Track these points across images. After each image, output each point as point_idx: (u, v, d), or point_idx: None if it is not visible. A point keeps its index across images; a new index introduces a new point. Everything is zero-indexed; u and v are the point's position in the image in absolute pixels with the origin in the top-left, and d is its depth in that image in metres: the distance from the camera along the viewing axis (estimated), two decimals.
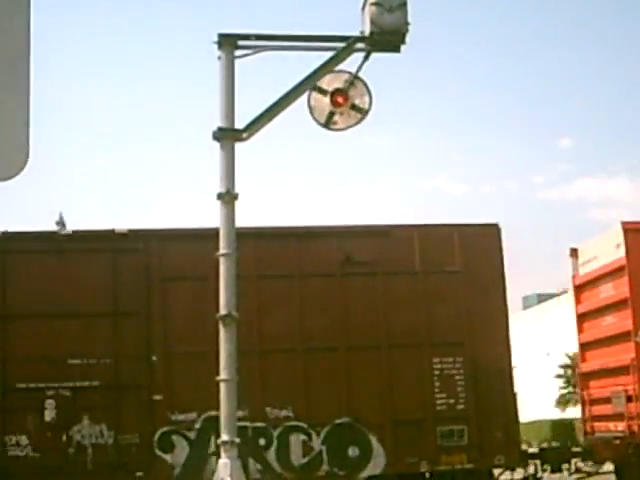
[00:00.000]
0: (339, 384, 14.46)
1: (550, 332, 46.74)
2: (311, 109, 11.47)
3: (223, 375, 10.78)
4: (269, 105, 11.08)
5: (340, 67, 11.35)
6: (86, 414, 14.03)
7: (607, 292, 17.39)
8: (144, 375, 14.24)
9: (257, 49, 11.19)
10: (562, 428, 30.28)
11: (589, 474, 16.49)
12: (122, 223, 27.13)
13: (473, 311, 14.93)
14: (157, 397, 14.14)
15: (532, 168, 40.68)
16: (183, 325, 14.43)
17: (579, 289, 18.54)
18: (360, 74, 11.40)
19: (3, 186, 4.07)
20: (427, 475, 14.74)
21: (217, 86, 11.06)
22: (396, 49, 11.29)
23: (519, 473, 15.74)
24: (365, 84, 11.49)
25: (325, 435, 14.33)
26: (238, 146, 11.01)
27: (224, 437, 10.65)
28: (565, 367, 45.99)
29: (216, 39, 11.11)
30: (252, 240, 14.67)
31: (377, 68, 11.76)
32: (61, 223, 16.58)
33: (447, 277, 15.00)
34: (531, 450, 16.46)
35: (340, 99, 11.40)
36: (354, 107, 11.45)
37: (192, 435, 14.15)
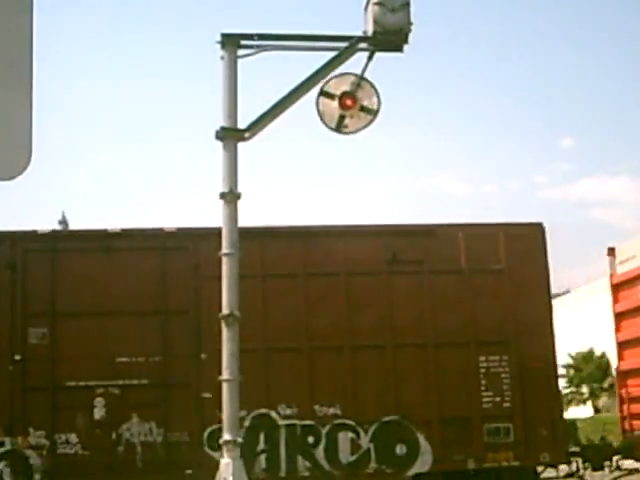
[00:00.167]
0: (386, 382, 14.12)
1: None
2: (321, 114, 11.15)
3: (225, 375, 10.50)
4: (272, 105, 10.78)
5: (344, 69, 11.07)
6: (135, 412, 13.71)
7: None
8: (193, 373, 13.90)
9: (260, 49, 10.90)
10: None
11: (630, 472, 16.29)
12: (122, 223, 26.98)
13: (518, 310, 14.55)
14: (206, 395, 13.65)
15: (534, 168, 40.83)
16: None
17: (617, 288, 18.25)
18: (364, 74, 11.13)
19: (5, 185, 3.97)
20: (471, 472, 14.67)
21: (220, 86, 10.77)
22: (399, 49, 11.01)
23: (560, 471, 15.62)
24: (372, 85, 11.15)
25: (373, 433, 13.96)
26: (241, 146, 10.71)
27: (226, 437, 10.34)
28: (567, 367, 45.73)
29: (219, 39, 10.82)
30: (300, 239, 14.55)
31: (379, 68, 11.44)
32: (64, 222, 16.36)
33: (492, 276, 14.61)
34: (572, 448, 16.17)
35: (349, 102, 11.08)
36: (363, 109, 11.12)
37: (241, 433, 13.92)
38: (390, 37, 10.90)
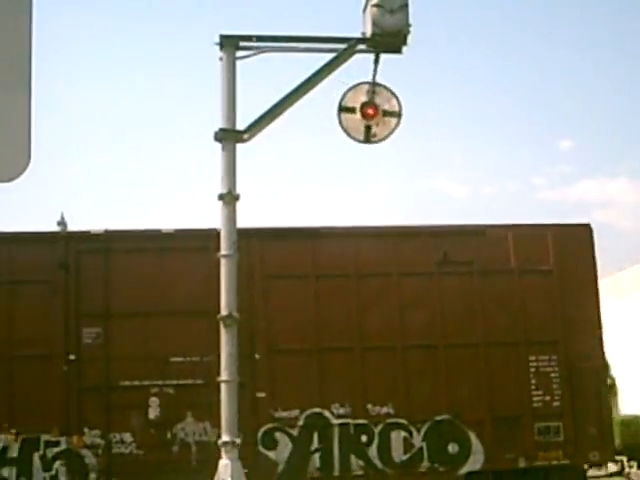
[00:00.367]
0: (438, 381, 13.71)
1: None
2: (346, 131, 10.82)
3: (224, 376, 10.13)
4: (270, 106, 10.47)
5: (344, 70, 10.75)
6: (190, 411, 13.33)
7: None
8: (247, 373, 13.53)
9: (259, 50, 10.61)
10: None
11: None
12: (122, 224, 26.69)
13: (567, 310, 14.16)
14: (260, 395, 13.38)
15: (533, 170, 40.47)
16: (285, 323, 13.64)
17: None
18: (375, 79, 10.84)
19: (3, 186, 3.80)
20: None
21: (218, 87, 10.46)
22: (398, 50, 10.68)
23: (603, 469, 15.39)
24: (386, 87, 10.83)
25: (425, 432, 13.56)
26: (239, 147, 10.42)
27: (225, 438, 9.97)
28: None
29: (217, 40, 10.50)
30: (352, 239, 14.24)
31: (378, 69, 11.32)
32: (62, 223, 15.99)
33: (541, 276, 14.22)
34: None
35: (370, 111, 10.76)
36: (386, 113, 10.78)
37: (295, 432, 13.39)
38: (389, 39, 10.59)
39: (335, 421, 13.51)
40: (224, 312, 10.38)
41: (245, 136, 10.55)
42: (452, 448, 13.67)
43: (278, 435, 13.44)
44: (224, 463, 10.05)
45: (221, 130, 10.45)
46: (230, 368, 10.24)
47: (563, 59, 38.79)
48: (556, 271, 14.29)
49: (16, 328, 13.37)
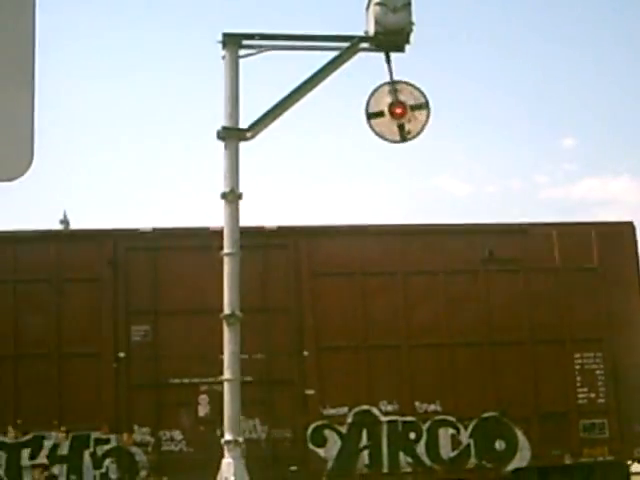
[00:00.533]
0: (485, 378, 13.38)
1: None
2: (381, 136, 10.62)
3: (227, 375, 9.89)
4: (273, 105, 10.26)
5: (346, 69, 10.67)
6: None
7: None
8: (296, 370, 13.17)
9: (261, 49, 10.43)
10: None
11: None
12: (124, 222, 26.31)
13: (611, 307, 13.83)
14: (309, 392, 13.05)
15: (535, 168, 40.11)
16: (333, 320, 13.29)
17: None
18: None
19: (6, 185, 3.69)
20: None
21: (221, 86, 10.25)
22: (400, 49, 10.53)
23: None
24: (406, 82, 10.61)
25: (473, 429, 13.25)
26: (242, 145, 10.25)
27: (227, 437, 9.74)
28: None
29: (220, 39, 10.28)
30: (398, 237, 13.94)
31: (379, 67, 10.91)
32: (65, 222, 15.70)
33: (585, 274, 13.90)
34: None
35: (399, 110, 10.55)
36: (414, 108, 10.56)
37: (343, 429, 13.06)
38: (391, 37, 10.44)
39: (383, 418, 13.21)
40: (227, 311, 10.16)
41: (248, 135, 10.36)
42: (499, 445, 13.39)
43: (327, 432, 13.16)
44: (227, 462, 9.82)
45: (224, 129, 10.27)
46: (233, 367, 10.06)
47: (566, 57, 38.45)
48: (600, 269, 14.01)
49: (65, 326, 13.08)
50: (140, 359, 13.07)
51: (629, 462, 13.92)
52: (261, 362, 13.18)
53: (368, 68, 11.29)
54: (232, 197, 10.24)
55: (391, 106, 10.65)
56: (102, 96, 36.84)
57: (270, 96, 10.58)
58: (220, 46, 10.48)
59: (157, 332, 13.13)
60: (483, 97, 38.20)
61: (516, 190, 40.10)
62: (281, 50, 10.78)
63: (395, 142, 10.75)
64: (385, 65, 10.71)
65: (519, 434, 13.43)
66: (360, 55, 10.83)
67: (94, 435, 12.89)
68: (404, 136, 10.71)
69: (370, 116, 10.68)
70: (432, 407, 13.34)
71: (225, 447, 9.98)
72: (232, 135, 10.28)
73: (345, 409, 13.20)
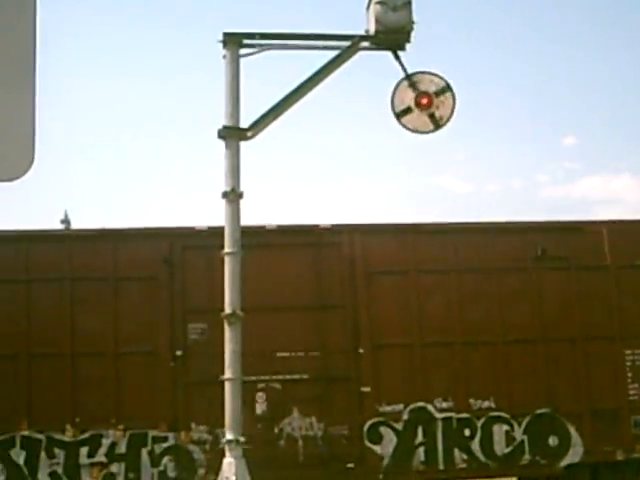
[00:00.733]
0: (538, 375, 13.08)
1: None
2: (416, 130, 10.49)
3: (228, 374, 9.62)
4: (274, 104, 9.99)
5: (346, 68, 10.47)
6: (296, 406, 12.70)
7: None
8: (352, 367, 12.85)
9: (262, 48, 10.18)
10: None
11: None
12: (126, 222, 26.07)
13: None
14: (365, 389, 12.75)
15: (536, 167, 39.78)
16: (388, 318, 12.98)
17: None
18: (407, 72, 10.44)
19: (7, 185, 3.64)
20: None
21: (222, 85, 10.00)
22: (401, 47, 10.25)
23: None
24: (422, 72, 10.37)
25: (526, 425, 12.97)
26: (243, 144, 10.02)
27: (228, 436, 9.48)
28: None
29: (221, 38, 10.02)
30: (452, 235, 13.53)
31: (380, 66, 10.81)
32: (66, 221, 15.46)
33: (636, 271, 13.55)
34: None
35: (425, 100, 10.30)
36: (438, 94, 10.31)
37: (399, 426, 12.78)
38: (392, 36, 10.20)
39: (438, 415, 12.95)
40: (228, 310, 9.90)
41: (249, 134, 10.09)
42: (552, 441, 13.12)
43: (383, 429, 12.89)
44: (228, 461, 9.55)
45: (225, 128, 10.02)
46: (234, 366, 9.82)
47: (566, 56, 38.23)
48: None
49: (122, 325, 12.83)
50: (197, 357, 12.81)
51: None
52: (317, 360, 12.94)
53: (370, 67, 11.14)
54: (233, 196, 10.02)
55: (416, 99, 10.41)
56: (103, 96, 36.46)
57: (271, 95, 10.38)
58: (221, 45, 10.23)
59: (214, 330, 12.79)
60: (484, 96, 37.91)
61: (517, 189, 39.87)
62: (282, 49, 10.52)
63: (431, 132, 10.54)
64: (395, 62, 10.46)
65: (572, 430, 13.19)
66: (361, 54, 10.60)
67: (152, 433, 12.63)
68: (438, 124, 10.48)
69: (399, 115, 10.45)
70: (486, 404, 13.10)
71: (226, 446, 9.75)
72: (233, 134, 10.04)
73: (401, 406, 12.96)
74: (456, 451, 12.94)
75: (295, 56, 10.84)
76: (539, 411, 13.16)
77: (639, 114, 39.52)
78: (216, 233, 12.99)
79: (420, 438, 12.93)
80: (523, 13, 37.33)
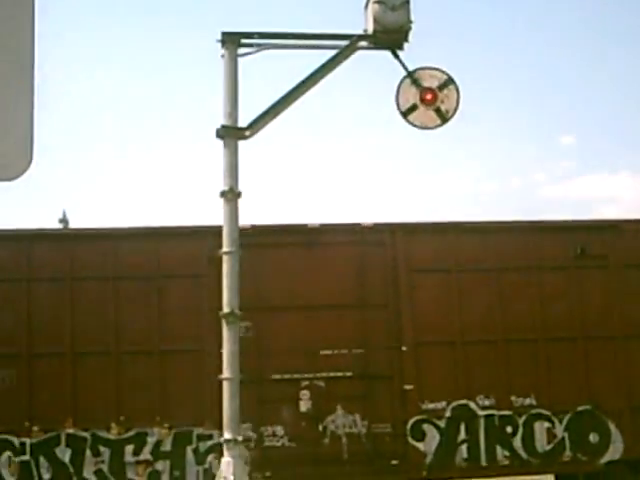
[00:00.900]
0: (578, 372, 12.88)
1: None
2: (424, 127, 10.26)
3: (226, 373, 9.40)
4: (272, 103, 9.76)
5: (346, 67, 10.23)
6: (339, 404, 12.48)
7: None
8: (395, 365, 12.67)
9: (260, 47, 9.93)
10: None
11: None
12: (124, 222, 25.83)
13: None
14: (408, 387, 12.55)
15: (534, 166, 39.56)
16: (430, 316, 12.80)
17: None
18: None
19: (5, 185, 3.53)
20: None
21: (220, 84, 9.78)
22: (399, 47, 10.01)
23: None
24: (422, 68, 10.11)
25: (567, 422, 12.79)
26: (241, 144, 9.77)
27: (227, 435, 9.22)
28: None
29: (219, 37, 9.79)
30: (492, 234, 13.27)
31: (380, 65, 10.56)
32: (64, 220, 15.25)
33: None
34: None
35: (429, 96, 10.06)
36: (441, 88, 10.09)
37: (442, 423, 12.62)
38: (390, 35, 9.94)
39: (481, 412, 12.83)
40: (226, 309, 9.62)
41: (247, 133, 9.83)
42: (593, 438, 12.99)
43: (426, 427, 12.70)
44: (226, 460, 9.28)
45: (223, 127, 9.77)
46: (232, 366, 9.57)
47: (564, 55, 38.05)
48: None
49: (167, 323, 12.67)
50: (242, 355, 12.55)
51: None
52: (360, 357, 12.76)
53: (370, 66, 10.99)
54: (231, 196, 9.74)
55: (420, 96, 10.18)
56: (101, 95, 36.11)
57: (269, 95, 10.11)
58: (219, 45, 9.97)
59: (258, 328, 12.67)
60: (482, 95, 37.70)
61: (515, 188, 39.65)
62: (280, 49, 10.26)
63: (439, 126, 10.34)
64: (395, 61, 10.29)
65: (612, 427, 13.00)
66: (360, 53, 10.35)
67: (197, 431, 12.46)
68: (445, 117, 10.23)
69: (405, 114, 10.26)
70: (527, 401, 12.92)
71: (224, 446, 9.46)
72: (231, 134, 9.78)
73: (443, 403, 12.79)
74: (498, 448, 12.79)
75: (293, 55, 10.65)
76: (580, 408, 12.99)
77: (637, 112, 39.42)
78: (260, 231, 12.93)
79: (463, 435, 12.76)
80: (522, 12, 37.14)
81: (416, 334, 12.90)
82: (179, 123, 35.66)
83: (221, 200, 9.87)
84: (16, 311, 12.48)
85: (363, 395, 12.67)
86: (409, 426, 12.67)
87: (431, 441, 12.72)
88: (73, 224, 13.69)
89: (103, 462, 12.26)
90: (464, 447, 12.75)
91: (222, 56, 9.98)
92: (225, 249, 9.82)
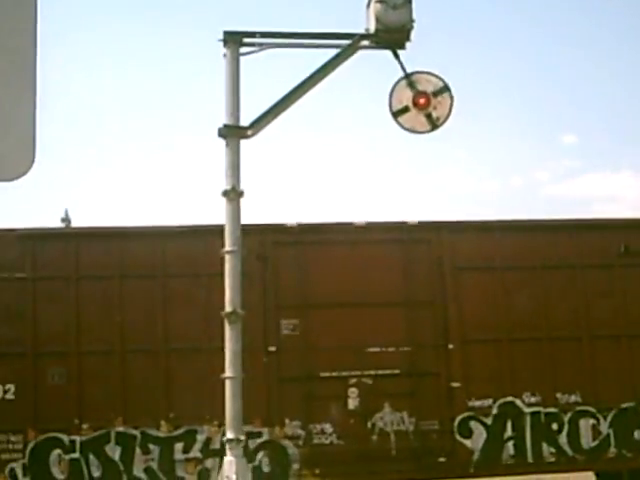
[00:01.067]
0: (622, 369, 12.74)
1: None
2: (413, 130, 10.09)
3: (228, 373, 9.26)
4: (274, 102, 9.62)
5: (347, 66, 10.10)
6: (387, 401, 12.32)
7: None
8: (442, 363, 12.50)
9: (262, 46, 9.82)
10: None
11: None
12: (123, 221, 25.56)
13: None
14: (455, 384, 12.41)
15: (536, 164, 39.31)
16: (476, 314, 12.60)
17: None
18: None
19: (8, 185, 3.50)
20: None
21: (222, 83, 9.64)
22: (401, 46, 9.88)
23: None
24: (420, 72, 9.96)
25: (612, 419, 12.64)
26: (243, 143, 9.66)
27: (229, 435, 9.10)
28: None
29: (221, 37, 9.66)
30: (538, 232, 13.03)
31: (381, 66, 10.40)
32: (66, 220, 15.08)
33: None
34: None
35: (422, 100, 9.91)
36: (436, 94, 9.92)
37: (488, 421, 12.43)
38: (392, 34, 9.81)
39: (527, 410, 12.72)
40: (228, 309, 9.47)
41: (249, 132, 9.69)
42: (637, 435, 12.89)
43: (473, 424, 12.56)
44: (229, 460, 9.14)
45: (225, 126, 9.62)
46: (235, 365, 9.42)
47: (566, 53, 37.85)
48: None
49: (215, 321, 12.49)
50: (290, 353, 12.45)
51: None
52: (407, 355, 12.63)
53: (373, 64, 10.86)
54: (233, 195, 9.60)
55: (414, 98, 10.02)
56: (103, 94, 35.82)
57: (271, 94, 9.97)
58: (221, 44, 9.83)
59: (305, 326, 12.52)
60: (484, 94, 37.50)
61: (517, 187, 39.45)
62: (282, 48, 10.08)
63: (428, 132, 10.18)
64: (395, 61, 10.10)
65: None
66: (362, 52, 10.21)
67: (246, 429, 12.32)
68: (434, 124, 10.08)
69: (396, 114, 10.11)
70: (573, 398, 12.76)
71: (227, 445, 9.33)
72: (233, 133, 9.64)
73: (490, 401, 12.62)
74: (544, 445, 12.64)
75: (295, 55, 10.50)
76: (624, 405, 12.88)
77: (639, 113, 39.25)
78: (306, 229, 12.79)
79: (509, 432, 12.59)
80: (524, 11, 36.95)
81: (462, 332, 12.75)
82: (181, 122, 35.42)
83: (223, 199, 9.74)
84: (65, 309, 12.31)
85: (410, 392, 12.51)
86: (456, 423, 12.50)
87: (478, 438, 12.56)
88: (75, 223, 13.46)
89: (153, 460, 12.07)
90: (510, 444, 12.59)
91: (224, 55, 9.83)
92: (227, 248, 9.68)
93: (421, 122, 10.10)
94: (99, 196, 32.50)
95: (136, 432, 12.07)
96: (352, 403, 12.39)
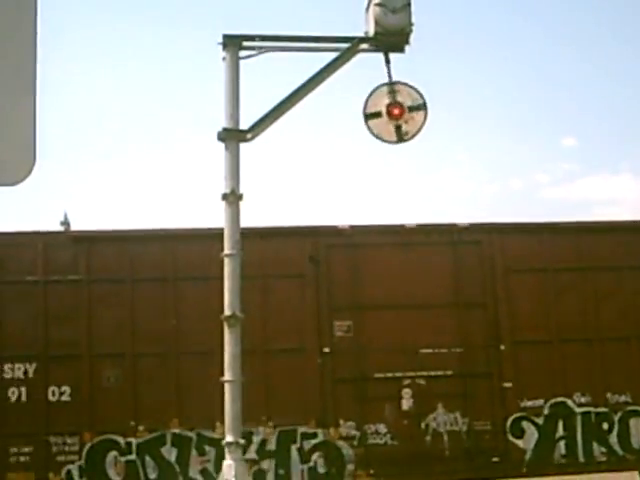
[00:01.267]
0: None
1: None
2: (378, 136, 9.82)
3: (227, 376, 9.08)
4: (274, 106, 9.47)
5: (347, 69, 9.95)
6: (440, 402, 12.16)
7: None
8: (494, 364, 12.32)
9: (262, 50, 9.66)
10: None
11: None
12: (123, 223, 25.31)
13: None
14: (507, 385, 12.23)
15: (536, 167, 39.08)
16: (527, 315, 12.47)
17: None
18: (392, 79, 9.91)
19: (8, 188, 3.40)
20: None
21: (222, 87, 9.48)
22: (400, 50, 9.73)
23: None
24: (405, 84, 9.79)
25: None
26: (243, 146, 9.50)
27: (228, 438, 8.91)
28: None
29: (221, 40, 9.51)
30: (587, 234, 12.88)
31: (380, 68, 10.11)
32: (66, 223, 14.91)
33: None
34: None
35: (396, 111, 9.72)
36: (412, 109, 9.74)
37: (540, 421, 12.28)
38: (391, 38, 9.66)
39: (578, 410, 12.61)
40: (227, 312, 9.25)
41: (248, 136, 9.51)
42: None
43: (525, 424, 12.44)
44: (228, 463, 8.93)
45: (224, 130, 9.45)
46: (234, 368, 9.22)
47: (566, 56, 37.71)
48: None
49: (270, 322, 12.38)
50: (343, 354, 12.29)
51: None
52: (459, 356, 12.50)
53: (370, 68, 10.76)
54: (232, 198, 9.42)
55: (389, 107, 9.81)
56: (102, 96, 35.45)
57: (270, 97, 9.79)
58: (220, 47, 9.67)
59: (359, 327, 12.36)
60: (483, 96, 37.34)
61: (516, 189, 39.27)
62: (281, 51, 9.93)
63: (392, 143, 10.01)
64: (385, 66, 10.07)
65: None
66: (361, 55, 10.06)
67: (301, 430, 12.15)
68: (401, 137, 9.83)
69: (368, 117, 9.93)
70: (622, 398, 12.64)
71: (226, 449, 9.11)
72: (232, 136, 9.46)
73: (541, 401, 12.48)
74: (595, 444, 12.52)
75: (295, 58, 10.34)
76: None
77: (639, 114, 39.16)
78: (358, 232, 12.66)
79: (560, 432, 12.43)
80: (523, 13, 36.80)
81: (514, 333, 12.61)
82: (180, 125, 35.14)
83: (222, 202, 9.57)
84: (121, 311, 12.14)
85: (463, 393, 12.36)
86: (509, 423, 12.34)
87: (530, 438, 12.40)
88: (74, 226, 13.28)
89: (209, 461, 11.88)
90: (562, 444, 12.43)
91: (223, 59, 9.64)
92: (227, 252, 9.49)
93: (389, 131, 9.92)
94: (98, 198, 32.19)
95: (192, 434, 11.88)
96: (406, 404, 12.24)
